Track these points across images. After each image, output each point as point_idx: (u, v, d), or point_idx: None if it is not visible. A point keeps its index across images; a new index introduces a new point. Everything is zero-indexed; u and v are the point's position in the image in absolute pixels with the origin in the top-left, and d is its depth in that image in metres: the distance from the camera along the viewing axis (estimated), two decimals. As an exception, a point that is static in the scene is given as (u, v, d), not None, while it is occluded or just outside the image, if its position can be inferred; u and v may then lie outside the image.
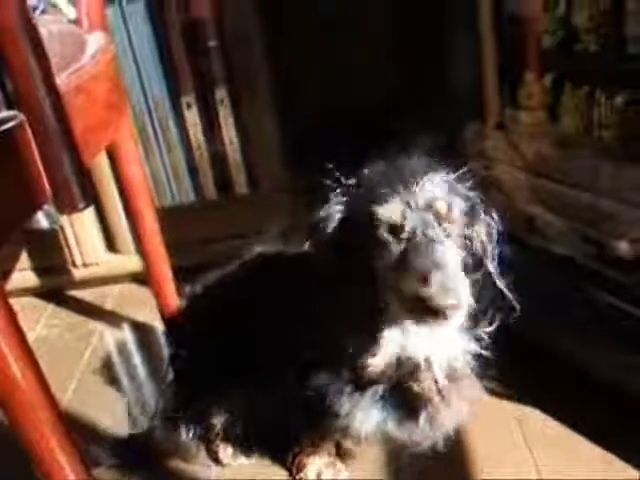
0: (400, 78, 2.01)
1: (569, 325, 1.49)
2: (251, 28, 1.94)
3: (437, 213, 1.02)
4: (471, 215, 1.09)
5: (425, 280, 0.96)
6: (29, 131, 1.01)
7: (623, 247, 1.55)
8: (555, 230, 1.65)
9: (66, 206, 1.07)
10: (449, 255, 1.00)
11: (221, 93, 2.01)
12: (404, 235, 1.01)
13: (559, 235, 1.65)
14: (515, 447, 1.46)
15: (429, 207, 1.02)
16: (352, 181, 1.12)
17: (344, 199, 1.11)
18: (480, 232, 1.11)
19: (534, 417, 1.52)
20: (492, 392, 1.54)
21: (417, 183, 1.02)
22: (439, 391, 1.19)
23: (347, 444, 1.43)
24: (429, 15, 1.84)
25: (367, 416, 1.22)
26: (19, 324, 1.07)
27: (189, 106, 2.02)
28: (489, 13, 1.74)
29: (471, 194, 1.10)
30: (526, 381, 1.56)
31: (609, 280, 1.53)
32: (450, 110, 1.84)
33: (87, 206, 1.08)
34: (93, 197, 1.09)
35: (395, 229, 1.02)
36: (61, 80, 1.11)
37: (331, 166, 1.14)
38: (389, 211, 1.02)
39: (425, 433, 1.24)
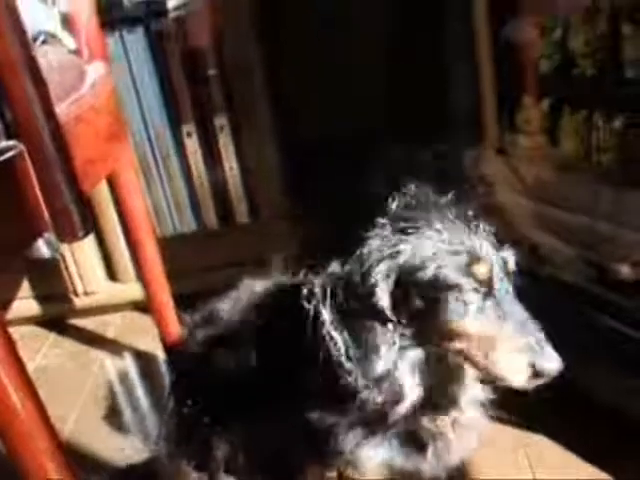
0: (400, 105, 2.02)
1: (572, 350, 1.48)
2: (250, 56, 1.95)
3: (507, 267, 1.04)
4: None
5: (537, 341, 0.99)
6: (29, 160, 1.02)
7: (624, 270, 1.54)
8: (556, 254, 1.65)
9: (66, 234, 1.07)
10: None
11: (221, 121, 2.02)
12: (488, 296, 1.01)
13: (560, 259, 1.64)
14: (520, 472, 1.46)
15: (504, 262, 1.03)
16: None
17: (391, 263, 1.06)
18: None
19: (538, 442, 1.52)
20: (497, 418, 1.53)
21: (476, 236, 1.03)
22: (453, 425, 1.19)
23: (351, 475, 1.42)
24: (428, 43, 1.85)
25: (374, 452, 1.21)
26: (18, 354, 1.07)
27: (189, 134, 2.03)
28: (487, 39, 1.75)
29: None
30: (530, 406, 1.55)
31: (611, 303, 1.53)
32: (450, 136, 1.84)
33: (86, 234, 1.08)
34: (93, 226, 1.09)
35: (481, 286, 1.00)
36: (60, 110, 1.12)
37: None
38: (476, 269, 1.00)
39: (432, 466, 1.24)
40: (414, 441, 1.20)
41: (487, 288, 1.00)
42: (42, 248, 2.12)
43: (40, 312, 2.25)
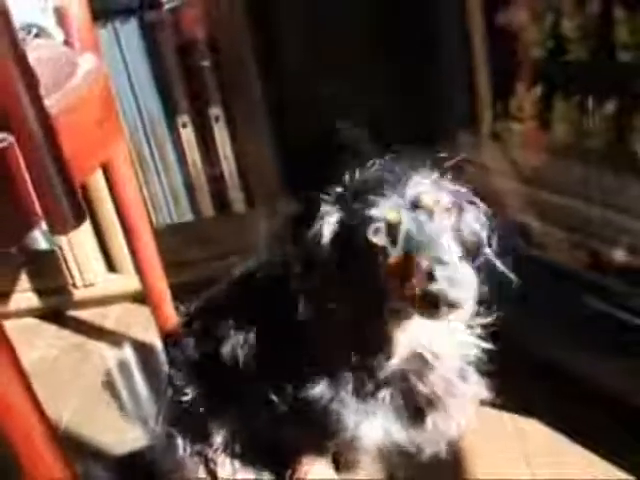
0: (394, 93, 2.02)
1: (564, 333, 1.49)
2: (245, 47, 1.95)
3: (427, 207, 1.02)
4: (459, 207, 1.10)
5: (431, 277, 0.97)
6: (19, 153, 1.02)
7: (617, 255, 1.55)
8: (548, 238, 1.66)
9: (58, 225, 1.08)
10: (448, 248, 1.01)
11: (216, 111, 2.02)
12: (401, 235, 1.02)
13: (552, 243, 1.65)
14: (514, 459, 1.46)
15: (418, 203, 1.02)
16: (340, 189, 1.13)
17: (335, 208, 1.11)
18: (470, 221, 1.11)
19: (533, 429, 1.52)
20: (492, 404, 1.54)
21: (403, 183, 1.03)
22: (448, 390, 1.20)
23: (348, 456, 1.43)
24: (421, 30, 1.84)
25: (373, 427, 1.22)
26: (12, 347, 1.08)
27: (184, 125, 2.03)
28: (480, 25, 1.75)
29: (456, 187, 1.11)
30: (525, 393, 1.56)
31: (602, 287, 1.53)
32: (443, 121, 1.85)
33: (78, 225, 1.08)
34: (85, 216, 1.10)
35: (391, 229, 1.02)
36: (51, 102, 1.12)
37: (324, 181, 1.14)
38: (382, 212, 1.02)
39: (431, 438, 1.24)
40: (412, 411, 1.21)
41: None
42: (40, 241, 2.14)
43: (39, 305, 2.26)
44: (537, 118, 1.67)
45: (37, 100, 1.03)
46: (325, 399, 1.21)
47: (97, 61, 1.47)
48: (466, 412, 1.25)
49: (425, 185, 1.05)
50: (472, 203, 1.13)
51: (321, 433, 1.34)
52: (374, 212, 1.03)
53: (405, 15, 1.90)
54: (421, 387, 1.18)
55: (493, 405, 1.53)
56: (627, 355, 1.41)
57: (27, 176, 1.03)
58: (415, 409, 1.21)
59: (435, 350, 1.15)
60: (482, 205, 1.13)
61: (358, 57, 1.97)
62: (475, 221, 1.12)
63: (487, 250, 1.12)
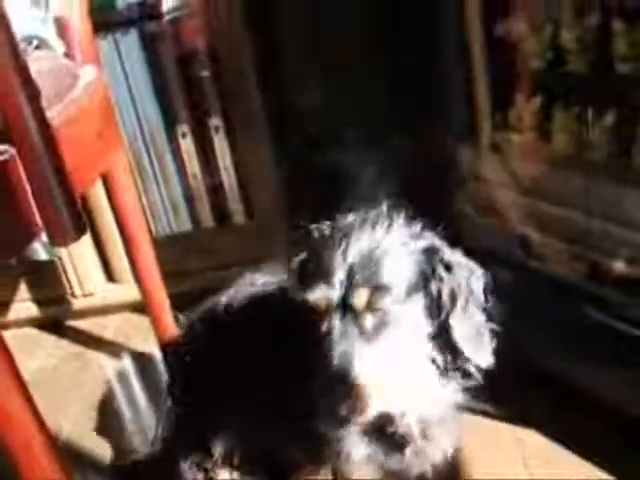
0: (393, 101, 2.02)
1: (562, 344, 1.49)
2: (244, 58, 1.95)
3: (357, 309, 1.02)
4: (428, 272, 1.06)
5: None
6: (20, 165, 1.02)
7: (617, 266, 1.55)
8: (547, 249, 1.66)
9: (58, 237, 1.08)
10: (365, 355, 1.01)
11: (216, 122, 2.03)
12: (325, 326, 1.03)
13: (551, 254, 1.65)
14: (514, 468, 1.46)
15: (353, 296, 1.02)
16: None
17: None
18: (441, 287, 1.06)
19: (533, 438, 1.52)
20: (491, 414, 1.54)
21: (348, 259, 1.02)
22: (423, 433, 1.19)
23: (344, 470, 1.42)
24: (421, 41, 1.85)
25: (356, 446, 1.21)
26: (12, 357, 1.08)
27: (184, 135, 2.03)
28: (479, 36, 1.75)
29: (431, 245, 1.08)
30: (523, 403, 1.56)
31: (601, 299, 1.54)
32: (443, 133, 1.85)
33: (79, 237, 1.08)
34: (86, 228, 1.10)
35: (320, 316, 1.03)
36: (52, 114, 1.12)
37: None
38: (312, 298, 1.04)
39: (413, 465, 1.24)
40: (391, 442, 1.20)
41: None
42: (40, 251, 2.14)
43: (38, 314, 2.26)
44: (536, 129, 1.67)
45: (38, 112, 1.03)
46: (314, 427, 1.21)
47: (98, 73, 1.47)
48: (447, 441, 1.24)
49: (378, 261, 1.03)
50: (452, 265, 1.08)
51: (317, 452, 1.34)
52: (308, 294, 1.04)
53: (404, 27, 1.91)
54: (395, 430, 1.18)
55: (491, 415, 1.54)
56: (625, 365, 1.41)
57: (28, 188, 1.03)
58: (393, 442, 1.21)
59: (401, 409, 1.14)
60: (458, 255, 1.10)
61: (357, 68, 1.97)
62: (449, 287, 1.06)
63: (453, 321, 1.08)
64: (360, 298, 1.01)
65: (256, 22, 1.95)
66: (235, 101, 2.00)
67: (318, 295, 1.03)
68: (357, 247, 1.03)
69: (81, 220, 1.09)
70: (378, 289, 1.01)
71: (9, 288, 2.23)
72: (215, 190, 2.11)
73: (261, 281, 1.39)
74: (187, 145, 2.05)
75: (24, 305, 2.25)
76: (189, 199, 2.12)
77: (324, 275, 1.03)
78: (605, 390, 1.43)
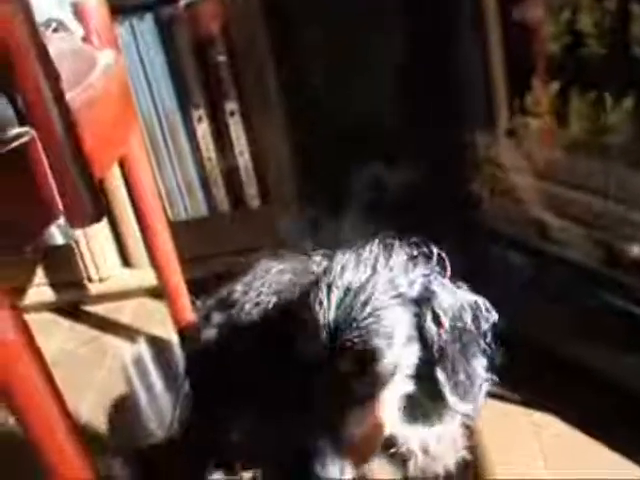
0: (411, 90, 2.02)
1: (581, 331, 1.49)
2: (260, 42, 1.95)
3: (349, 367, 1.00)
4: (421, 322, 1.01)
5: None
6: (40, 146, 1.03)
7: (635, 251, 1.55)
8: (565, 235, 1.66)
9: (78, 219, 1.08)
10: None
11: (231, 106, 2.02)
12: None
13: (569, 239, 1.65)
14: (529, 455, 1.46)
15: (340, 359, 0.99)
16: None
17: None
18: (431, 340, 1.02)
19: (550, 424, 1.52)
20: (508, 399, 1.54)
21: (334, 313, 0.98)
22: (422, 450, 1.19)
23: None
24: (437, 26, 1.84)
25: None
26: (34, 339, 1.09)
27: (200, 120, 2.03)
28: (496, 21, 1.74)
29: (426, 291, 1.02)
30: (542, 388, 1.56)
31: (620, 284, 1.53)
32: (460, 119, 1.85)
33: (99, 219, 1.09)
34: (105, 211, 1.10)
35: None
36: (71, 96, 1.12)
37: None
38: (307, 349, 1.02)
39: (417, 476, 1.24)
40: (395, 456, 1.19)
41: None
42: (56, 235, 2.15)
43: (54, 299, 2.27)
44: (554, 113, 1.66)
45: (59, 94, 1.03)
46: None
47: (116, 56, 1.47)
48: (448, 459, 1.23)
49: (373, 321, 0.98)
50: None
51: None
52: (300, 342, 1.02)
53: (420, 10, 1.90)
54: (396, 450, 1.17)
55: (508, 400, 1.54)
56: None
57: (48, 170, 1.04)
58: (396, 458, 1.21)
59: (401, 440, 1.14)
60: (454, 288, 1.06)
61: (373, 53, 1.96)
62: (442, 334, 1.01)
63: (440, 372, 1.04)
64: (347, 364, 0.99)
65: (272, 5, 1.95)
66: (251, 85, 2.00)
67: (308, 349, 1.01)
68: (347, 300, 0.98)
69: (100, 202, 1.10)
70: (369, 352, 0.98)
71: (26, 273, 2.24)
72: (231, 174, 2.11)
73: (276, 268, 1.39)
74: (203, 129, 2.05)
75: (40, 289, 2.26)
76: (205, 184, 2.12)
77: (313, 330, 1.00)
78: (623, 375, 1.43)
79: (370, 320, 0.97)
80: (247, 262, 1.44)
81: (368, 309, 0.97)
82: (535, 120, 1.71)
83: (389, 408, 1.04)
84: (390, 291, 0.99)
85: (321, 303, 0.99)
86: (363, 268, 1.01)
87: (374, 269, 1.01)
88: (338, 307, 0.98)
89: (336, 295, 0.99)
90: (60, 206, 1.06)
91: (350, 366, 0.99)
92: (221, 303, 1.42)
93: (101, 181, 1.97)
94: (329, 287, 1.00)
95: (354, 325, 0.97)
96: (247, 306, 1.34)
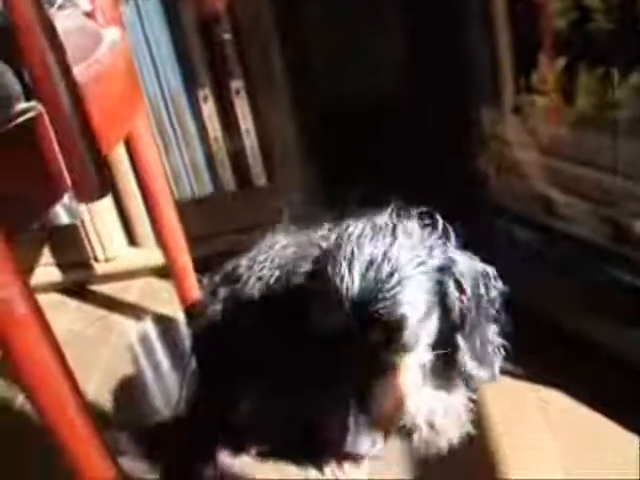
0: (415, 66, 2.02)
1: (591, 306, 1.49)
2: (265, 19, 1.95)
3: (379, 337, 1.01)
4: (442, 290, 1.03)
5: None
6: (48, 121, 1.03)
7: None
8: (572, 210, 1.65)
9: (84, 195, 1.08)
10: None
11: (237, 84, 2.01)
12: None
13: (575, 215, 1.65)
14: (536, 430, 1.46)
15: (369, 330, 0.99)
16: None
17: None
18: (452, 306, 1.04)
19: (557, 399, 1.52)
20: (514, 374, 1.55)
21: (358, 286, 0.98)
22: (428, 424, 1.20)
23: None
24: (443, 4, 1.83)
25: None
26: (45, 316, 1.09)
27: (205, 99, 2.03)
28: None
29: (446, 260, 1.03)
30: (549, 363, 1.56)
31: (627, 260, 1.53)
32: (465, 95, 1.84)
33: (104, 195, 1.09)
34: (110, 186, 1.11)
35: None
36: (78, 71, 1.12)
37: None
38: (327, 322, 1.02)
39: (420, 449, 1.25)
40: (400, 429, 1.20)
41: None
42: (62, 215, 2.15)
43: (61, 279, 2.27)
44: (561, 90, 1.66)
45: (66, 68, 1.03)
46: None
47: (122, 33, 1.47)
48: (453, 434, 1.24)
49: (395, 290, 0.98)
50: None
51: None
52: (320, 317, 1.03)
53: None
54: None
55: (514, 375, 1.55)
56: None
57: (56, 145, 1.04)
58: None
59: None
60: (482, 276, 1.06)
61: (378, 30, 1.96)
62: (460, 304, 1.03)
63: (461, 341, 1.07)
64: (375, 334, 1.00)
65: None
66: (256, 63, 2.00)
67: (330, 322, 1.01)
68: (371, 272, 0.98)
69: (106, 178, 1.10)
70: (396, 322, 0.98)
71: (32, 254, 2.24)
72: (237, 153, 2.10)
73: (281, 243, 1.39)
74: (209, 108, 2.04)
75: (47, 270, 2.26)
76: (210, 162, 2.11)
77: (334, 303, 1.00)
78: (629, 349, 1.43)
79: (396, 290, 0.97)
80: (252, 239, 1.45)
81: (394, 280, 0.97)
82: (541, 97, 1.71)
83: (411, 378, 1.05)
84: (413, 260, 1.00)
85: (342, 276, 0.98)
86: (382, 238, 1.01)
87: (394, 238, 1.01)
88: (362, 279, 0.97)
89: (358, 267, 0.98)
90: (68, 181, 1.06)
91: (378, 337, 0.99)
92: (226, 278, 1.43)
93: (106, 158, 1.97)
94: (350, 259, 0.99)
95: (380, 296, 0.97)
96: (251, 280, 1.34)
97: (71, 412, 1.13)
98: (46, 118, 1.02)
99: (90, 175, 1.07)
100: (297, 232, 1.41)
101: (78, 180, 1.07)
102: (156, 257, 2.12)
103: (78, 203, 1.13)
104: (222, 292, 1.43)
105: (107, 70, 1.28)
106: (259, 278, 1.34)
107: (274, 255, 1.36)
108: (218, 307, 1.43)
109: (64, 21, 1.25)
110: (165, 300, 2.06)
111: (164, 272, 2.03)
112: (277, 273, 1.31)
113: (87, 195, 1.10)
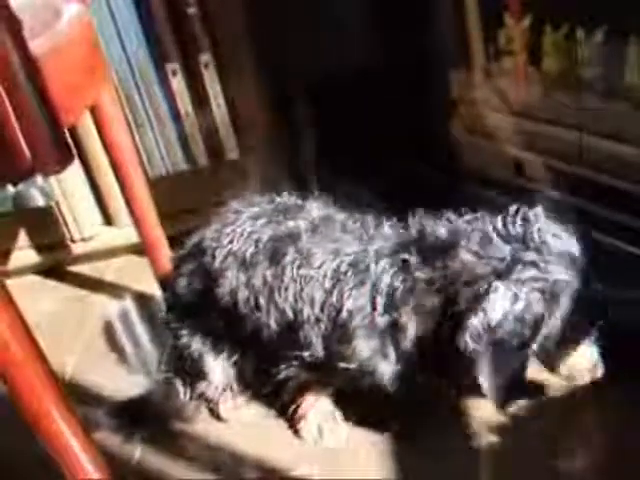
0: (386, 35, 2.01)
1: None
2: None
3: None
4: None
5: None
6: (4, 94, 1.02)
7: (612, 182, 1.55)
8: (542, 171, 1.66)
9: (46, 167, 1.08)
10: None
11: (205, 58, 2.00)
12: None
13: (546, 175, 1.65)
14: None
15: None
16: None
17: None
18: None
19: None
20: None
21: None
22: None
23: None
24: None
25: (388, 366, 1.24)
26: (14, 302, 1.10)
27: (174, 73, 2.01)
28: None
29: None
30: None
31: (602, 219, 1.54)
32: (435, 60, 1.84)
33: (66, 166, 1.09)
34: (74, 157, 1.10)
35: None
36: (36, 45, 1.12)
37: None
38: None
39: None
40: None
41: None
42: (37, 197, 2.14)
43: (38, 261, 2.26)
44: (527, 50, 1.66)
45: (21, 43, 1.02)
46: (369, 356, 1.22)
47: (81, 7, 1.45)
48: None
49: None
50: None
51: (330, 380, 1.36)
52: None
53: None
54: None
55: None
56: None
57: (13, 117, 1.03)
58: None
59: None
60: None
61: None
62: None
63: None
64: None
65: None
66: (224, 37, 1.98)
67: None
68: None
69: (68, 148, 1.09)
70: None
71: (8, 236, 2.23)
72: (208, 127, 2.09)
73: (248, 213, 1.39)
74: (178, 83, 2.03)
75: (24, 252, 2.25)
76: (182, 137, 2.10)
77: None
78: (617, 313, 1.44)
79: None
80: (212, 216, 1.45)
81: None
82: (508, 58, 1.70)
83: None
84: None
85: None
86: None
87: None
88: None
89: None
90: (28, 154, 1.06)
91: None
92: (192, 252, 1.43)
93: (71, 128, 1.96)
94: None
95: None
96: (220, 253, 1.34)
97: (46, 399, 1.14)
98: (2, 91, 1.01)
99: (50, 147, 1.06)
100: (261, 201, 1.41)
101: (38, 152, 1.06)
102: (133, 235, 2.11)
103: (43, 177, 1.12)
104: (187, 266, 1.43)
105: (66, 41, 1.28)
106: (230, 252, 1.34)
107: (244, 228, 1.35)
108: (184, 280, 1.43)
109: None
110: (143, 277, 2.05)
111: (141, 249, 2.02)
112: (251, 249, 1.31)
113: (49, 167, 1.09)
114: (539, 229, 1.12)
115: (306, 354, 1.25)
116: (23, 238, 2.24)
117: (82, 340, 1.90)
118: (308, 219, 1.30)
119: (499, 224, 1.14)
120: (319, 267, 1.22)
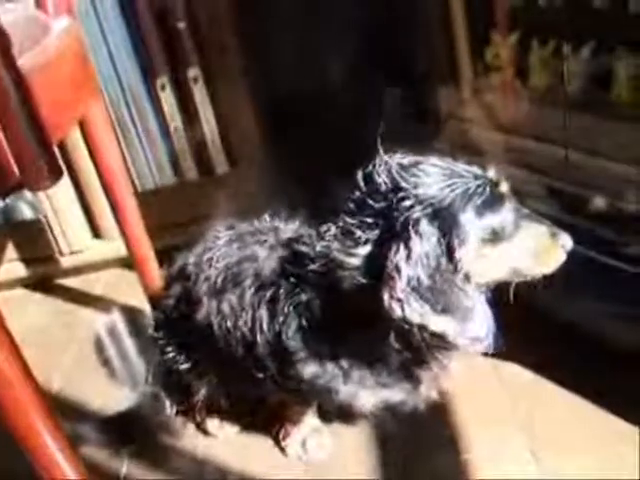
0: (375, 48, 2.02)
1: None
2: (221, 5, 1.94)
3: None
4: None
5: None
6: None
7: (598, 201, 1.56)
8: (527, 186, 1.66)
9: (35, 183, 1.08)
10: None
11: (194, 72, 2.01)
12: None
13: (532, 190, 1.66)
14: (498, 405, 1.49)
15: None
16: None
17: None
18: None
19: (516, 372, 1.55)
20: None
21: None
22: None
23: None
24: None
25: (371, 396, 1.23)
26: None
27: (163, 87, 2.02)
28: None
29: None
30: (509, 339, 1.57)
31: (586, 233, 1.54)
32: (424, 76, 1.85)
33: (55, 181, 1.08)
34: (62, 172, 1.10)
35: None
36: (24, 60, 1.12)
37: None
38: None
39: (423, 395, 1.26)
40: (410, 376, 1.21)
41: None
42: (25, 211, 2.13)
43: (26, 274, 2.26)
44: (514, 65, 1.67)
45: (9, 58, 1.03)
46: (314, 376, 1.21)
47: (71, 22, 1.46)
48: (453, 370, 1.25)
49: None
50: None
51: (306, 398, 1.36)
52: None
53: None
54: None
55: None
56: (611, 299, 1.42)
57: (1, 134, 1.03)
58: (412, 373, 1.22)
59: None
60: None
61: (333, 16, 1.96)
62: None
63: None
64: None
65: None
66: (212, 52, 1.99)
67: None
68: None
69: (57, 163, 1.09)
70: None
71: (-4, 250, 2.23)
72: (197, 141, 2.09)
73: (224, 239, 1.39)
74: (167, 97, 2.03)
75: (12, 265, 2.25)
76: (171, 152, 2.10)
77: None
78: (578, 318, 1.45)
79: None
80: (201, 231, 1.45)
81: None
82: (495, 73, 1.72)
83: None
84: None
85: None
86: None
87: None
88: None
89: None
90: (16, 170, 1.06)
91: None
92: (179, 274, 1.43)
93: (59, 143, 1.96)
94: None
95: None
96: (200, 280, 1.34)
97: (32, 414, 1.14)
98: (-10, 109, 1.02)
99: (39, 162, 1.06)
100: (240, 225, 1.41)
101: (26, 168, 1.06)
102: (121, 248, 2.11)
103: (31, 192, 1.12)
104: (175, 288, 1.43)
105: (55, 56, 1.28)
106: (206, 278, 1.34)
107: (219, 254, 1.35)
108: (171, 302, 1.43)
109: (11, 12, 1.25)
110: (132, 291, 2.05)
111: (130, 263, 2.02)
112: (221, 276, 1.31)
113: (38, 182, 1.09)
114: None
115: (263, 376, 1.26)
116: (12, 251, 2.24)
117: (70, 354, 1.89)
118: (275, 241, 1.29)
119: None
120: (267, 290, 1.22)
